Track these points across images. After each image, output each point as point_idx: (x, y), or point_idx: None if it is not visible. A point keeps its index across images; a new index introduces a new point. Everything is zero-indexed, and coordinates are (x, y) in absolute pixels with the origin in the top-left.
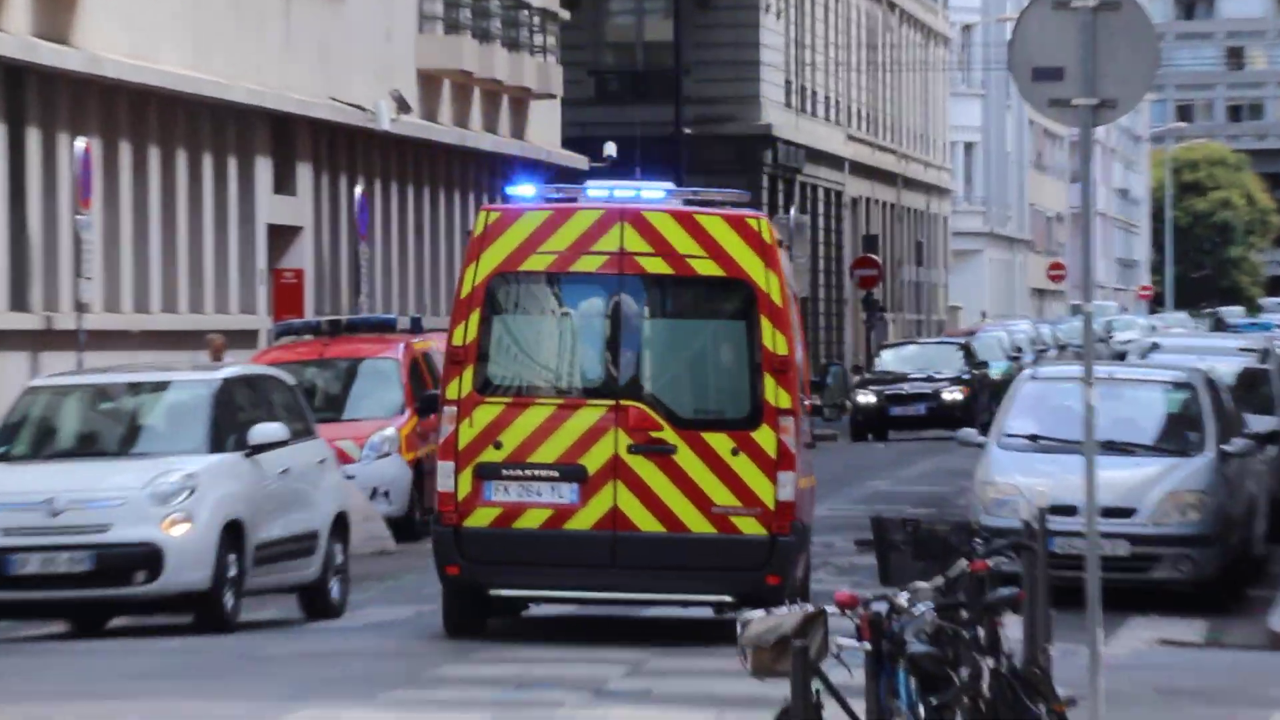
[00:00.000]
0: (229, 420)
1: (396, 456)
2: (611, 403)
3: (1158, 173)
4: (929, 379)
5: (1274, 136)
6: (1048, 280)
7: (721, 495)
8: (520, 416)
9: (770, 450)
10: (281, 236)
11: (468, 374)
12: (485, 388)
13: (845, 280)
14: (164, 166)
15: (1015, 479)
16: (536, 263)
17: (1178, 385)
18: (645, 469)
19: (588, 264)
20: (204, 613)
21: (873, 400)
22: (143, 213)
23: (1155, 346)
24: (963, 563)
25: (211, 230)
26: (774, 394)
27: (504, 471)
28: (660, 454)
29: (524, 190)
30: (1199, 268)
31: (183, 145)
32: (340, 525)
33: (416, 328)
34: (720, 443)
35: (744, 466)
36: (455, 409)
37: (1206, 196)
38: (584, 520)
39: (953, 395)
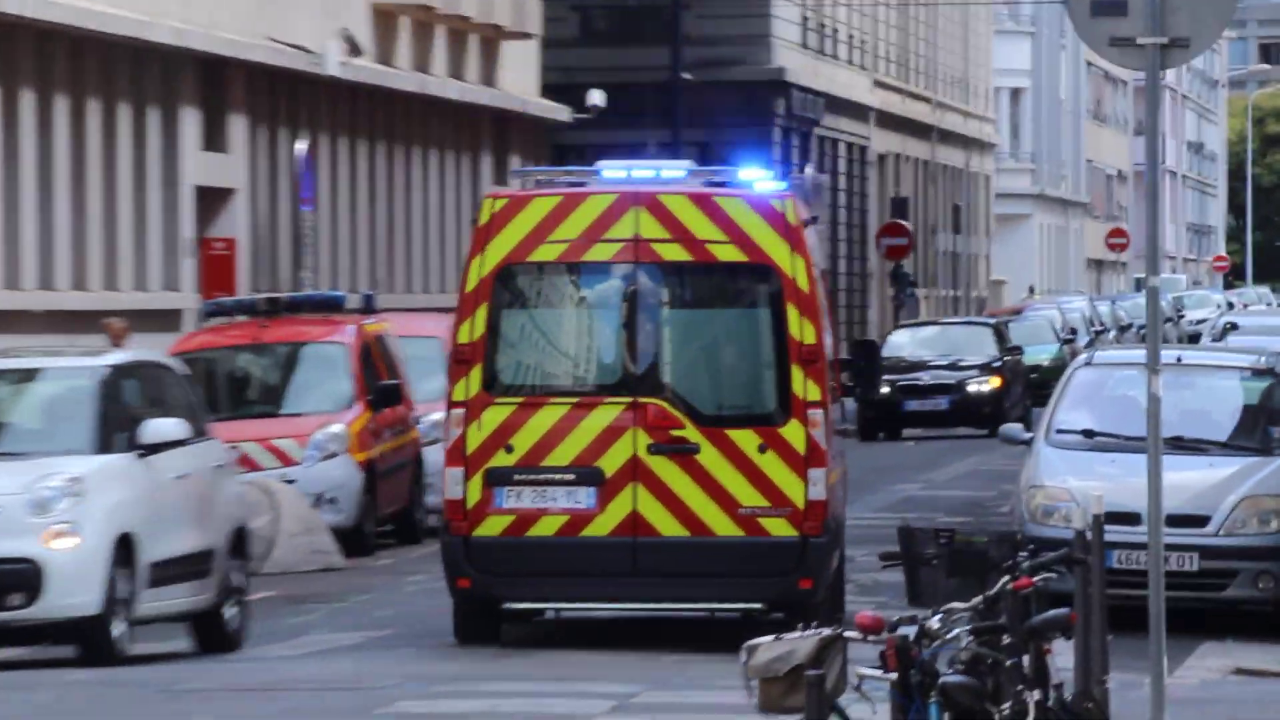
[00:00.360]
0: (118, 415)
1: (345, 457)
2: (629, 400)
3: (1237, 123)
4: (952, 367)
5: None
6: (1107, 250)
7: (748, 495)
8: (532, 418)
9: (799, 446)
10: (211, 200)
11: (475, 373)
12: (494, 388)
13: (870, 250)
14: (73, 118)
15: (1067, 482)
16: (547, 252)
17: (1258, 373)
18: (666, 470)
19: (601, 252)
20: (91, 642)
21: (884, 392)
22: (48, 173)
23: (1232, 327)
24: (1005, 580)
25: (129, 193)
26: (802, 386)
27: (516, 476)
28: (682, 454)
29: (532, 175)
30: None
31: (96, 94)
32: (239, 541)
33: (369, 307)
34: (746, 440)
35: (772, 464)
36: (463, 411)
37: None
38: (602, 526)
39: (980, 386)
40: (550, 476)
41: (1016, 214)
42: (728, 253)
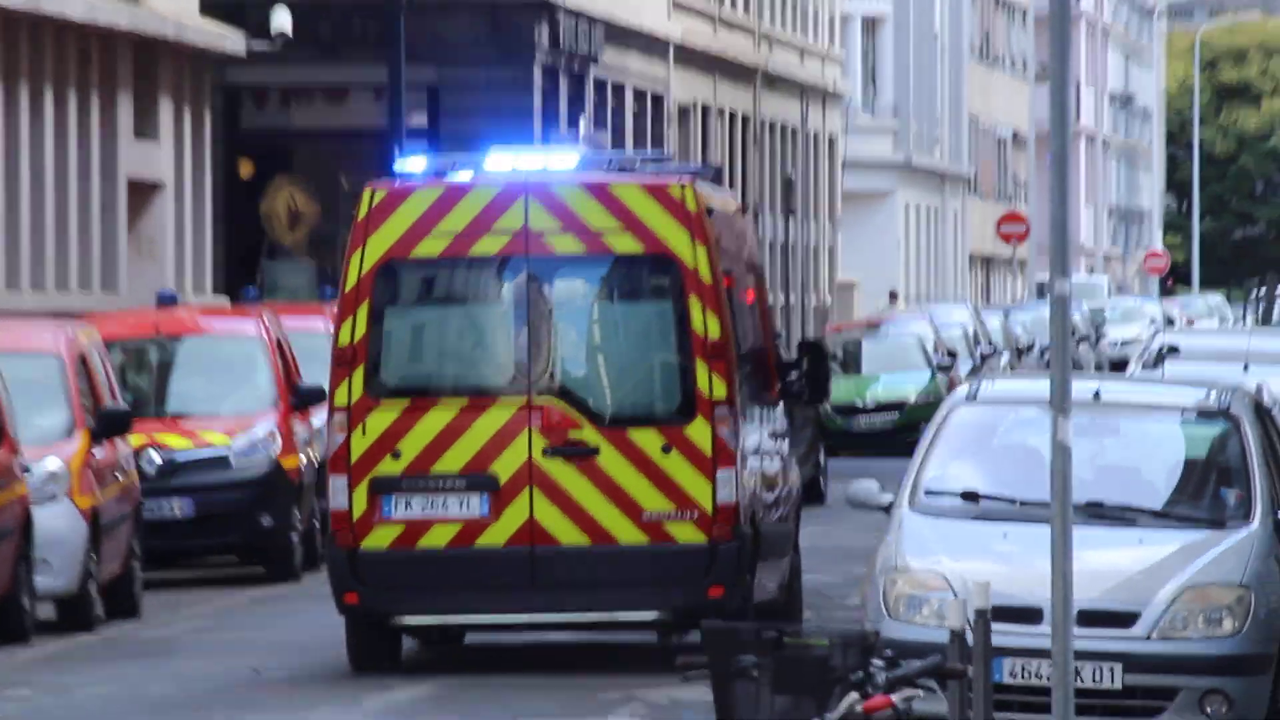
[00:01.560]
0: None
1: (65, 500)
2: (523, 401)
3: (1180, 67)
4: None
5: None
6: (999, 242)
7: (652, 500)
8: (420, 421)
9: (705, 447)
10: None
11: (357, 376)
12: (378, 390)
13: None
14: None
15: (940, 563)
16: (431, 247)
17: (1206, 414)
18: (564, 474)
19: (489, 245)
20: None
21: None
22: None
23: (1171, 351)
24: (852, 698)
25: None
26: (707, 383)
27: (404, 484)
28: (580, 456)
29: (413, 165)
30: (1244, 222)
31: None
32: None
33: None
34: (649, 440)
35: (677, 466)
36: (345, 416)
37: (1259, 107)
38: (497, 535)
39: None
40: (440, 483)
41: (873, 191)
42: (624, 243)
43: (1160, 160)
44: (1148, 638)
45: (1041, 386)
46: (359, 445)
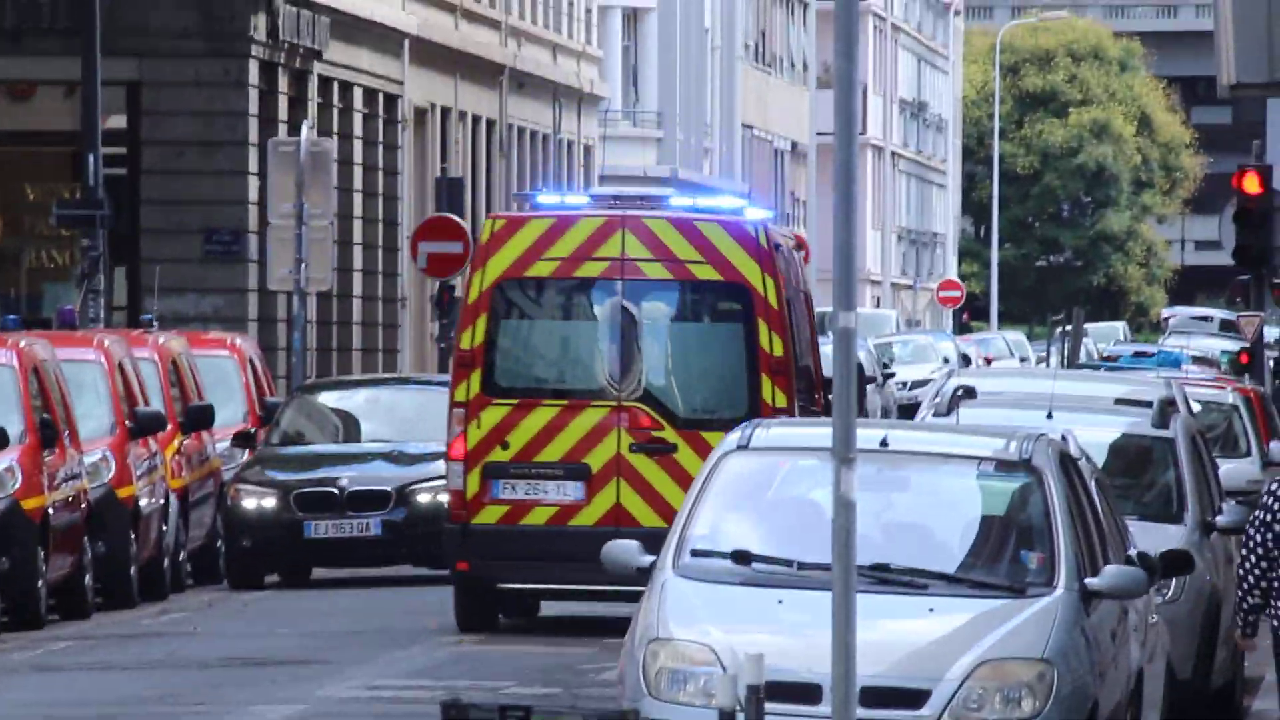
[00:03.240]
0: None
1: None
2: (614, 403)
3: (979, 72)
4: (396, 456)
5: (1193, 7)
6: None
7: None
8: (526, 417)
9: None
10: None
11: (475, 377)
12: (492, 390)
13: (403, 260)
14: None
15: (708, 634)
16: (541, 269)
17: (1006, 466)
18: (646, 467)
19: (590, 269)
20: None
21: (268, 506)
22: None
23: (967, 394)
24: None
25: None
26: (771, 394)
27: (511, 470)
28: (661, 452)
29: (537, 198)
30: (1050, 249)
31: None
32: None
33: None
34: (719, 441)
35: None
36: (464, 411)
37: (1065, 119)
38: (588, 517)
39: (441, 495)
40: (542, 471)
41: None
42: (705, 272)
43: (956, 178)
44: (939, 718)
45: (822, 433)
46: (474, 436)
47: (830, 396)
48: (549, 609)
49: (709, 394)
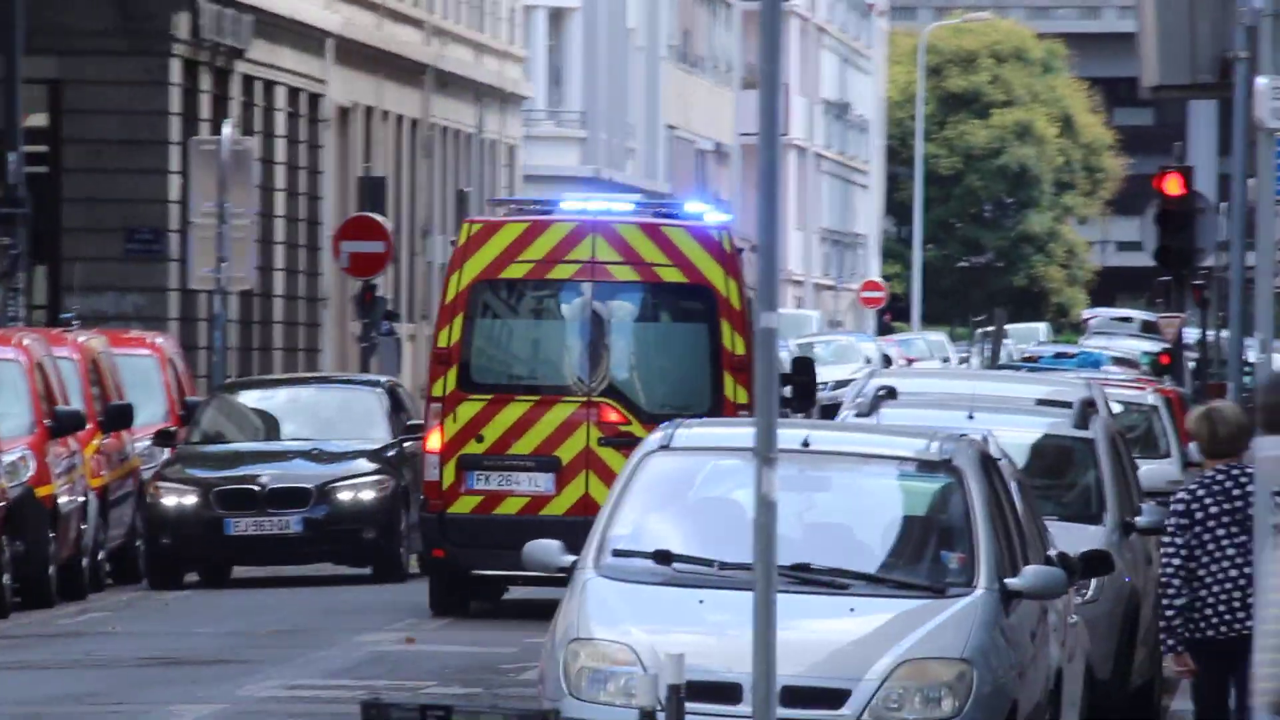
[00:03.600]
0: None
1: None
2: (584, 399)
3: (902, 73)
4: (316, 455)
5: (1115, 8)
6: None
7: None
8: (500, 412)
9: None
10: None
11: (451, 373)
12: (467, 386)
13: (325, 260)
14: None
15: (629, 633)
16: (515, 270)
17: (927, 466)
18: (615, 460)
19: (562, 272)
20: None
21: (189, 503)
22: None
23: (888, 394)
24: None
25: None
26: (733, 390)
27: (485, 463)
28: (628, 445)
29: (502, 205)
30: (972, 250)
31: None
32: None
33: None
34: None
35: None
36: (440, 405)
37: (988, 120)
38: (558, 507)
39: (361, 493)
40: (514, 463)
41: None
42: (671, 274)
43: (879, 179)
44: (859, 718)
45: (744, 433)
46: (450, 429)
47: (784, 394)
48: (516, 593)
49: (674, 390)
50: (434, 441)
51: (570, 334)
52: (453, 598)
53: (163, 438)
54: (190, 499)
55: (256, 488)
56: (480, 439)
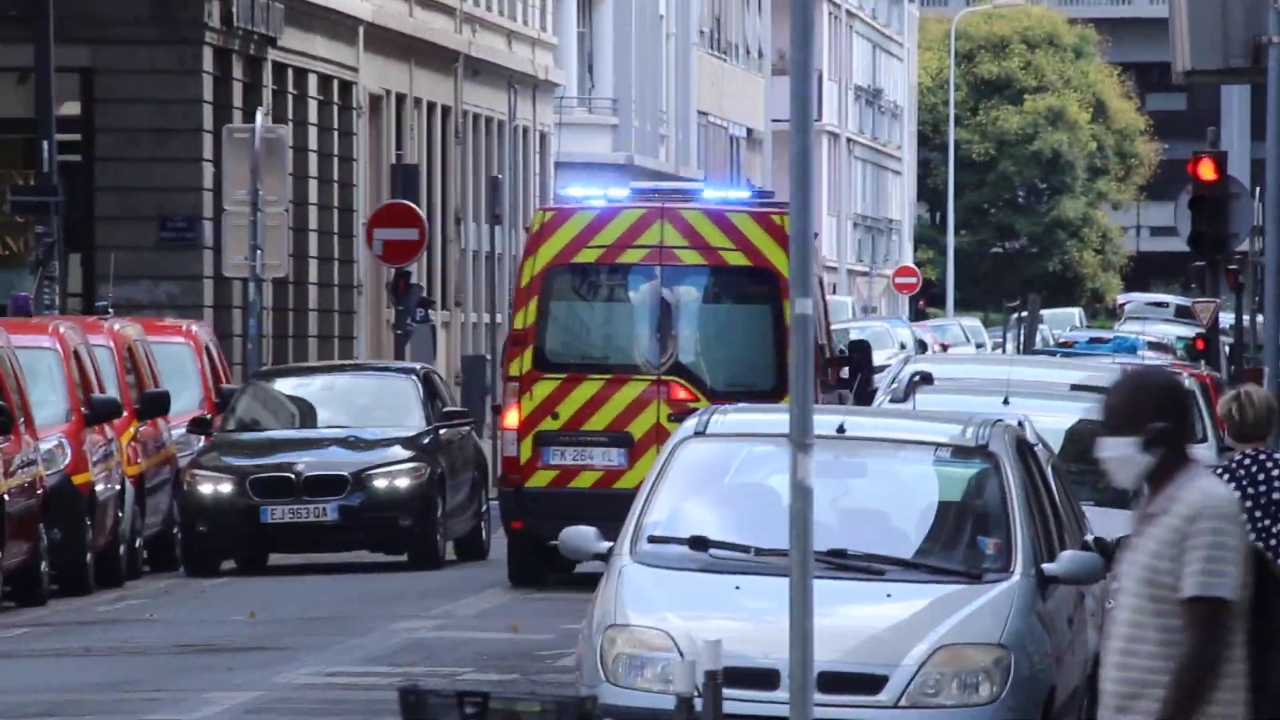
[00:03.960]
0: None
1: None
2: (654, 377)
3: (934, 60)
4: (350, 444)
5: None
6: None
7: None
8: (574, 390)
9: None
10: None
11: (528, 354)
12: (543, 365)
13: (359, 247)
14: None
15: (665, 620)
16: (587, 255)
17: (962, 452)
18: None
19: (632, 256)
20: None
21: (224, 491)
22: None
23: (923, 380)
24: None
25: None
26: None
27: (560, 439)
28: None
29: (575, 191)
30: (1005, 236)
31: None
32: None
33: None
34: None
35: None
36: (517, 384)
37: (1020, 105)
38: (630, 481)
39: (397, 480)
40: (588, 439)
41: None
42: (736, 258)
43: (911, 165)
44: (896, 704)
45: (779, 419)
46: (526, 407)
47: (843, 374)
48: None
49: (739, 368)
50: (511, 419)
51: (640, 316)
52: (531, 569)
53: (198, 425)
54: (226, 487)
55: (292, 475)
56: (555, 416)
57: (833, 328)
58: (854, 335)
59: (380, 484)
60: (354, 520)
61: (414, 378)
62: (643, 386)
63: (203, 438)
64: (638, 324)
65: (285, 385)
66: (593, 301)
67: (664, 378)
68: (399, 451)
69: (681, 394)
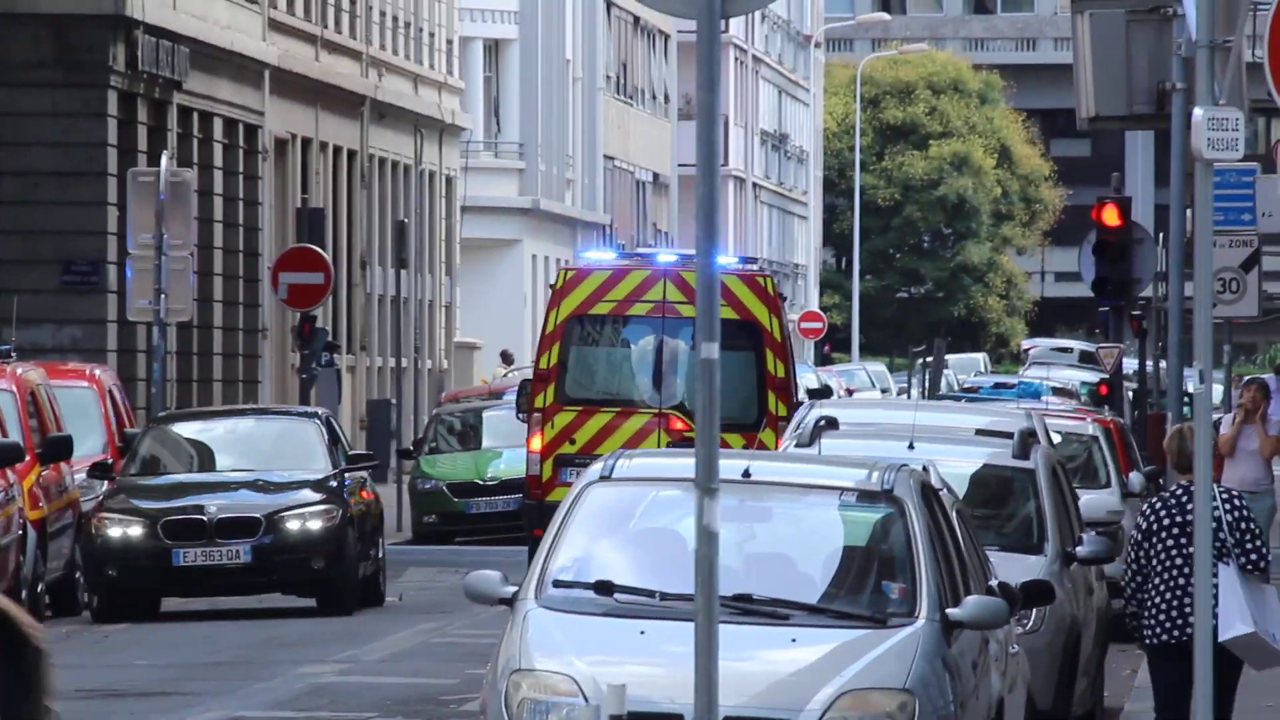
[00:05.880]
0: None
1: None
2: (655, 411)
3: (840, 104)
4: (261, 485)
5: (1051, 40)
6: None
7: None
8: (588, 421)
9: (772, 444)
10: None
11: (550, 389)
12: (563, 399)
13: (264, 292)
14: None
15: (571, 664)
16: (602, 308)
17: (867, 496)
18: None
19: (639, 309)
20: None
21: (135, 534)
22: None
23: (828, 424)
24: None
25: None
26: (775, 405)
27: (576, 460)
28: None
29: (594, 254)
30: (911, 281)
31: None
32: None
33: None
34: (735, 439)
35: None
36: (541, 415)
37: (926, 151)
38: None
39: (309, 522)
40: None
41: (497, 239)
42: (727, 313)
43: (817, 210)
44: None
45: (685, 463)
46: (548, 434)
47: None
48: None
49: (727, 405)
50: (535, 444)
51: (645, 360)
52: None
53: (99, 469)
54: (136, 530)
55: (204, 518)
56: (573, 442)
57: None
58: None
59: (293, 525)
60: (267, 562)
61: (317, 421)
62: (646, 418)
63: (106, 483)
64: (643, 366)
65: (187, 429)
66: (605, 347)
67: (664, 411)
68: (309, 494)
69: (679, 425)
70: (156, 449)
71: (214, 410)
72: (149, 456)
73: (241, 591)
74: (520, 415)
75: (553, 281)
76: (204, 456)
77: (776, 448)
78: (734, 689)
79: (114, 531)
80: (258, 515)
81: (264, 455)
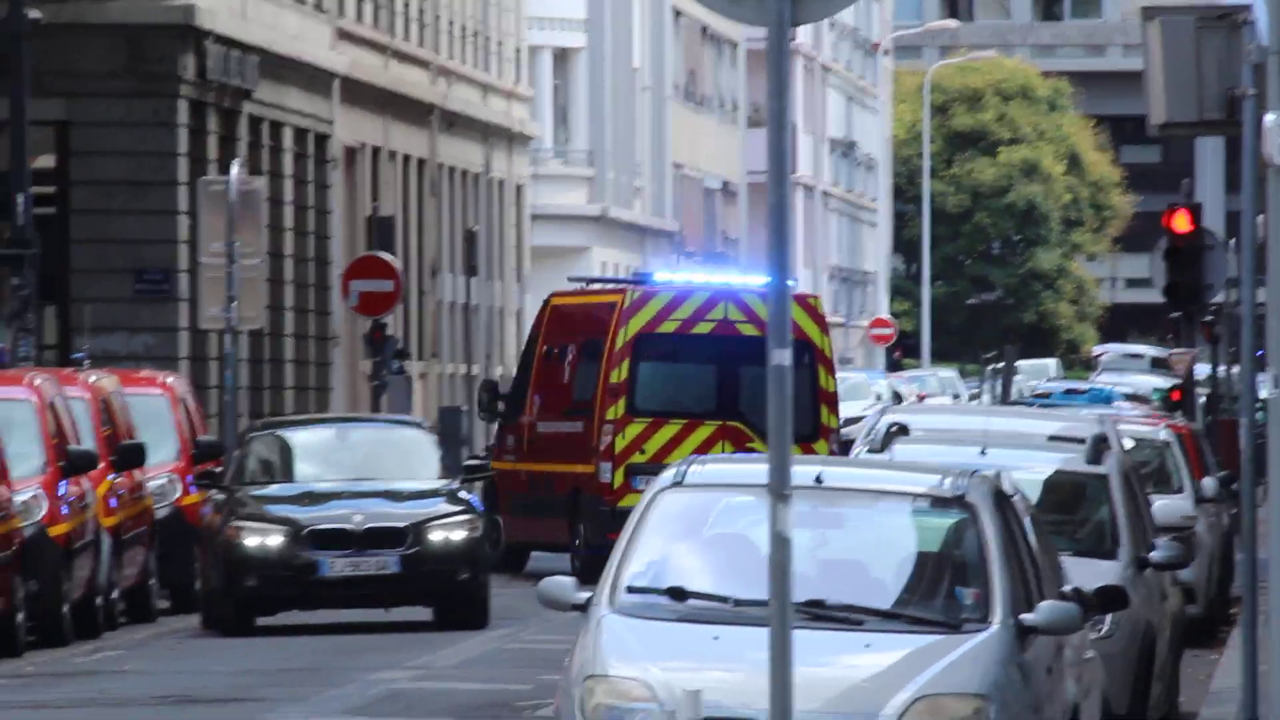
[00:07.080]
0: None
1: None
2: (720, 423)
3: (908, 111)
4: (389, 495)
5: (1120, 46)
6: None
7: None
8: (657, 432)
9: (824, 453)
10: None
11: (621, 402)
12: (633, 411)
13: (334, 299)
14: None
15: (646, 670)
16: (668, 326)
17: (940, 502)
18: None
19: (703, 328)
20: None
21: (275, 544)
22: None
23: (900, 431)
24: None
25: None
26: (827, 417)
27: (646, 468)
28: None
29: (659, 276)
30: (981, 287)
31: None
32: None
33: None
34: (794, 450)
35: None
36: (613, 426)
37: (995, 157)
38: None
39: (453, 533)
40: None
41: (566, 246)
42: None
43: (887, 216)
44: None
45: (758, 470)
46: (620, 444)
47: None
48: None
49: None
50: (608, 453)
51: (708, 375)
52: None
53: (207, 478)
54: (276, 539)
55: (351, 527)
56: (643, 451)
57: None
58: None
59: (436, 536)
60: (414, 572)
61: (424, 429)
62: (711, 429)
63: (214, 490)
64: (706, 381)
65: (296, 437)
66: (671, 362)
67: (727, 423)
68: (445, 505)
69: (740, 436)
70: (267, 456)
71: (314, 418)
72: (259, 464)
73: (383, 604)
74: (483, 415)
75: (620, 302)
76: (319, 465)
77: (830, 454)
78: (808, 694)
79: (251, 541)
80: (403, 525)
81: (380, 465)
